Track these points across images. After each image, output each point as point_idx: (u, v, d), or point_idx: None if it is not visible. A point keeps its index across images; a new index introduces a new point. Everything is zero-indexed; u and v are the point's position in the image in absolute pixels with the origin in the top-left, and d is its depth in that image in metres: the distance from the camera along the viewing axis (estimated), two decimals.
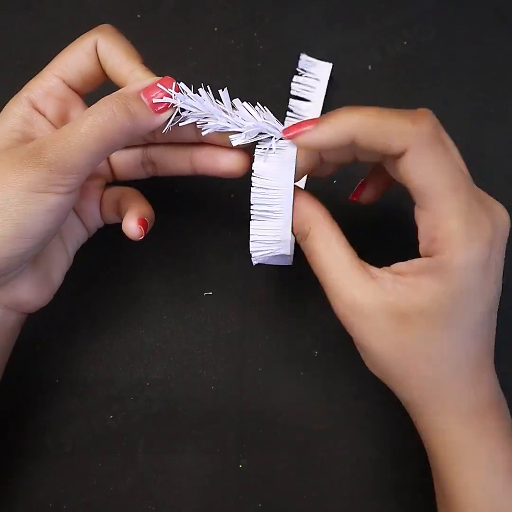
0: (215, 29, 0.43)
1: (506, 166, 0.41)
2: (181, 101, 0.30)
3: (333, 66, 0.42)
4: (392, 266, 0.30)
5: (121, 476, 0.38)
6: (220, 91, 0.30)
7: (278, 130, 0.30)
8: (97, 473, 0.38)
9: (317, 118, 0.29)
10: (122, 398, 0.39)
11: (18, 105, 0.32)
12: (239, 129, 0.30)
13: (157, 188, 0.41)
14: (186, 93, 0.31)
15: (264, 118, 0.30)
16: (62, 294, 0.40)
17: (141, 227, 0.33)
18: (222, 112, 0.30)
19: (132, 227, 0.33)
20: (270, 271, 0.40)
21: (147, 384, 0.39)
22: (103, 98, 0.30)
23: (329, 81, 0.42)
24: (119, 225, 0.39)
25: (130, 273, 0.40)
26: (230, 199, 0.41)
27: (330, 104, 0.42)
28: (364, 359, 0.32)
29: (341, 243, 0.30)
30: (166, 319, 0.40)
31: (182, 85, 0.31)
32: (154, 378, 0.39)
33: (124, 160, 0.36)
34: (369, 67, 0.43)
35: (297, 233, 0.31)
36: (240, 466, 0.38)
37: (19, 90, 0.33)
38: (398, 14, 0.43)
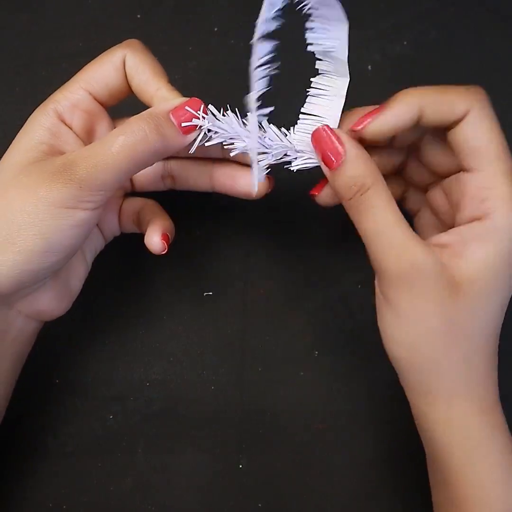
0: (215, 29, 0.43)
1: None
2: (209, 123, 0.30)
3: None
4: (429, 239, 0.29)
5: (121, 476, 0.38)
6: (249, 114, 0.30)
7: (304, 152, 0.31)
8: (97, 473, 0.38)
9: (378, 107, 0.30)
10: (122, 398, 0.39)
11: (45, 117, 0.32)
12: (265, 150, 0.31)
13: None
14: (214, 115, 0.31)
15: (290, 141, 0.31)
16: None
17: (164, 242, 0.33)
18: (249, 133, 0.31)
19: (155, 242, 0.33)
20: (270, 271, 0.40)
21: (147, 384, 0.39)
22: (134, 117, 0.30)
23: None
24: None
25: (130, 273, 0.40)
26: (230, 199, 0.41)
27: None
28: (392, 335, 0.30)
29: (393, 203, 0.29)
30: (166, 319, 0.40)
31: (211, 107, 0.31)
32: (154, 378, 0.39)
33: (145, 173, 0.35)
34: (369, 67, 0.43)
35: (354, 183, 0.29)
36: (240, 466, 0.38)
37: (45, 100, 0.33)
38: (398, 14, 0.43)
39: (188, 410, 0.39)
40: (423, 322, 0.29)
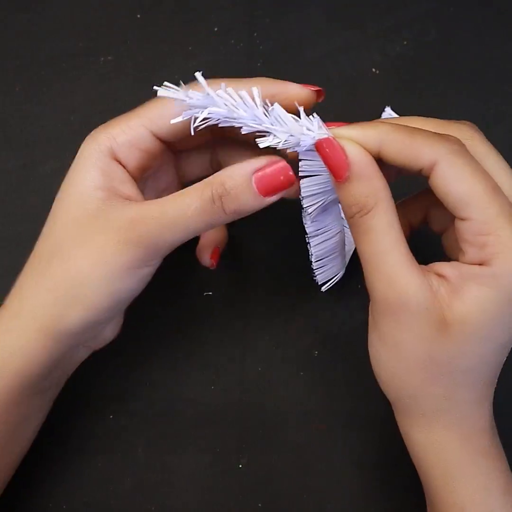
0: (215, 29, 0.43)
1: None
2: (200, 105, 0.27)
3: (333, 66, 0.42)
4: (432, 264, 0.28)
5: (121, 476, 0.38)
6: (254, 89, 0.27)
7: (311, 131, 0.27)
8: (97, 473, 0.38)
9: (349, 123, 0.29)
10: (122, 398, 0.39)
11: (99, 155, 0.30)
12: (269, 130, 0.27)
13: None
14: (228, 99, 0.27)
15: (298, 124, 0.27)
16: None
17: (213, 260, 0.36)
18: (258, 115, 0.27)
19: (205, 260, 0.36)
20: (270, 271, 0.40)
21: (147, 384, 0.39)
22: (213, 180, 0.28)
23: (329, 81, 0.42)
24: None
25: None
26: None
27: (331, 103, 0.42)
28: (377, 358, 0.30)
29: (400, 228, 0.27)
30: (166, 319, 0.40)
31: (198, 75, 0.27)
32: (154, 378, 0.39)
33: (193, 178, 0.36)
34: (369, 67, 0.43)
35: (355, 204, 0.27)
36: (240, 466, 0.38)
37: (96, 127, 0.31)
38: (398, 14, 0.43)
39: (188, 410, 0.39)
40: (404, 353, 0.28)
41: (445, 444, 0.29)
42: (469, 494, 0.29)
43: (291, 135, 0.27)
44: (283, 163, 0.28)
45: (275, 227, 0.41)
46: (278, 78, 0.43)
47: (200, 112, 0.27)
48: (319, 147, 0.27)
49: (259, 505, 0.38)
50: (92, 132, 0.31)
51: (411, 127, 0.28)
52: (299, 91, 0.30)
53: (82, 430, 0.39)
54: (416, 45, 0.43)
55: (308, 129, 0.27)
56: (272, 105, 0.27)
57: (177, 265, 0.40)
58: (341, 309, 0.39)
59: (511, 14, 0.43)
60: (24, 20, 0.44)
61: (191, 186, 0.29)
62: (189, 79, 0.43)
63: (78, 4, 0.44)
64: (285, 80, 0.42)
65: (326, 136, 0.27)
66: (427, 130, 0.27)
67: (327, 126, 0.28)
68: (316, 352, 0.39)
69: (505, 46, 0.43)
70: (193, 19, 0.44)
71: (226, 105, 0.26)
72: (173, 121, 0.28)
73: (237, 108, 0.26)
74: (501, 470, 0.30)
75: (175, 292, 0.40)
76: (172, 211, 0.28)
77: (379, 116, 0.42)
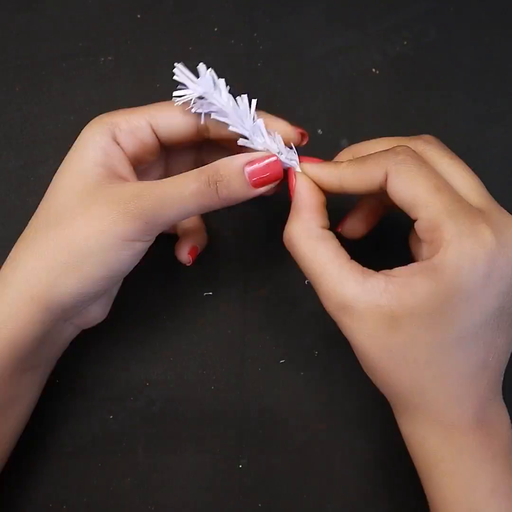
0: (215, 29, 0.43)
1: (506, 166, 0.41)
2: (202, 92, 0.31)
3: (333, 66, 0.42)
4: (389, 270, 0.30)
5: (121, 476, 0.38)
6: (247, 98, 0.32)
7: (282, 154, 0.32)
8: (97, 473, 0.38)
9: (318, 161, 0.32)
10: (122, 398, 0.39)
11: (100, 136, 0.32)
12: (247, 136, 0.31)
13: None
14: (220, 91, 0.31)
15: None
16: None
17: (191, 256, 0.36)
18: (242, 119, 0.31)
19: (183, 256, 0.36)
20: (270, 271, 0.40)
21: (147, 384, 0.39)
22: (209, 168, 0.30)
23: (329, 81, 0.42)
24: None
25: (130, 273, 0.40)
26: None
27: (332, 103, 0.42)
28: (357, 357, 0.32)
29: (333, 243, 0.30)
30: (166, 319, 0.40)
31: (179, 66, 0.31)
32: (154, 378, 0.39)
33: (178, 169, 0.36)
34: (369, 67, 0.43)
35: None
36: (240, 466, 0.38)
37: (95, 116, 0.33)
38: (398, 14, 0.43)
39: (188, 410, 0.39)
40: (365, 353, 0.30)
41: (427, 439, 0.30)
42: (452, 491, 0.30)
43: (266, 148, 0.32)
44: (274, 159, 0.31)
45: (275, 227, 0.41)
46: (278, 80, 0.43)
47: (205, 103, 0.31)
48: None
49: (259, 505, 0.38)
50: (96, 117, 0.33)
51: (364, 155, 0.31)
52: (285, 129, 0.33)
53: (82, 430, 0.39)
54: (416, 45, 0.43)
55: (278, 152, 0.31)
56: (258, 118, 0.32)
57: (177, 265, 0.40)
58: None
59: (511, 14, 0.43)
60: (24, 20, 0.44)
61: (188, 171, 0.31)
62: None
63: (78, 4, 0.44)
64: (285, 80, 0.42)
65: (289, 166, 0.32)
66: (378, 152, 0.30)
67: (304, 160, 0.32)
68: (316, 352, 0.39)
69: (505, 46, 0.43)
70: (193, 19, 0.44)
71: (227, 100, 0.31)
72: (177, 101, 0.31)
73: (233, 108, 0.31)
74: (490, 471, 0.29)
75: (175, 292, 0.40)
76: (171, 189, 0.30)
77: (379, 116, 0.42)
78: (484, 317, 0.28)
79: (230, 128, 0.31)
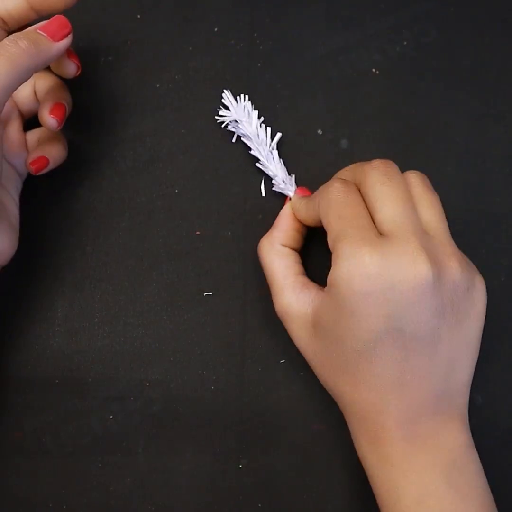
0: (215, 29, 0.43)
1: (506, 166, 0.41)
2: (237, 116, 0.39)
3: (333, 66, 0.42)
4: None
5: (121, 476, 0.38)
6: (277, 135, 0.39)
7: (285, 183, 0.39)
8: (97, 473, 0.38)
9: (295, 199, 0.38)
10: (122, 398, 0.39)
11: None
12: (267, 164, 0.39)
13: (157, 187, 0.41)
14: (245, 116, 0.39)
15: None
16: (62, 294, 0.40)
17: (55, 117, 0.35)
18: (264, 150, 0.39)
19: (47, 119, 0.35)
20: None
21: (147, 384, 0.39)
22: (7, 38, 0.32)
23: (329, 81, 0.42)
24: (112, 225, 0.39)
25: (130, 273, 0.40)
26: (231, 199, 0.41)
27: (334, 103, 0.42)
28: None
29: (290, 259, 0.37)
30: (166, 319, 0.40)
31: (228, 95, 0.39)
32: (154, 378, 0.39)
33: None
34: (369, 67, 0.43)
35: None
36: (240, 466, 0.38)
37: None
38: (398, 14, 0.43)
39: (188, 410, 0.39)
40: (302, 352, 0.36)
41: (360, 444, 0.34)
42: (380, 498, 0.32)
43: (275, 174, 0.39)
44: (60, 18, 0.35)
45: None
46: (278, 80, 0.43)
47: (238, 126, 0.40)
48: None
49: (259, 505, 0.38)
50: None
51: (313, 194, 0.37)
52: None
53: (82, 430, 0.39)
54: (416, 45, 0.43)
55: (283, 180, 0.39)
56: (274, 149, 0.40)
57: (177, 265, 0.40)
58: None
59: (511, 14, 0.43)
60: None
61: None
62: (189, 79, 0.44)
63: (78, 4, 0.44)
64: (285, 80, 0.42)
65: (286, 193, 0.39)
66: (321, 187, 0.35)
67: (298, 191, 0.39)
68: None
69: (505, 46, 0.43)
70: (193, 19, 0.44)
71: (255, 129, 0.39)
72: (219, 120, 0.40)
73: (257, 137, 0.39)
74: (416, 482, 0.31)
75: (175, 292, 0.40)
76: None
77: (378, 116, 0.42)
78: (375, 335, 0.31)
79: (252, 151, 0.39)
